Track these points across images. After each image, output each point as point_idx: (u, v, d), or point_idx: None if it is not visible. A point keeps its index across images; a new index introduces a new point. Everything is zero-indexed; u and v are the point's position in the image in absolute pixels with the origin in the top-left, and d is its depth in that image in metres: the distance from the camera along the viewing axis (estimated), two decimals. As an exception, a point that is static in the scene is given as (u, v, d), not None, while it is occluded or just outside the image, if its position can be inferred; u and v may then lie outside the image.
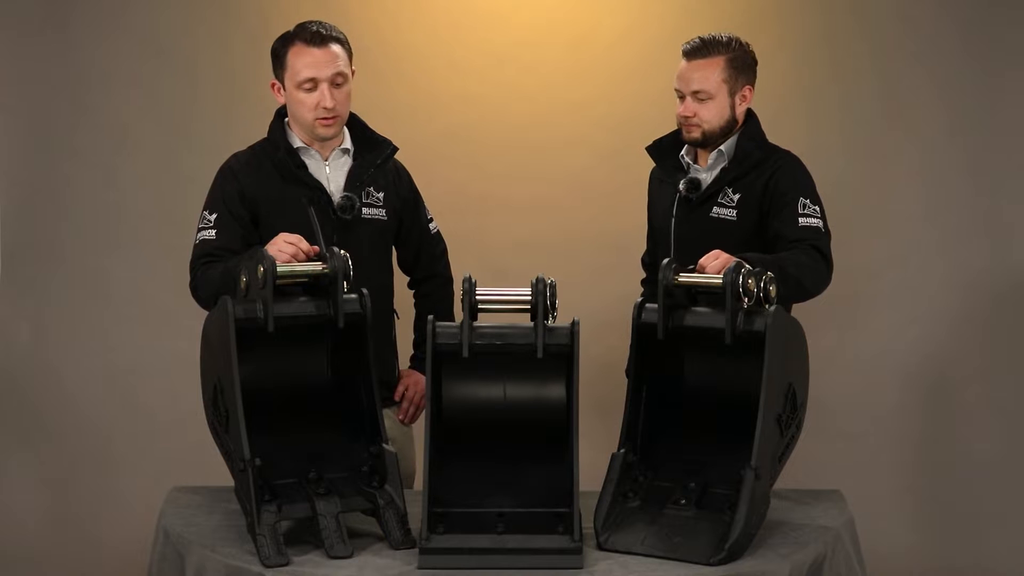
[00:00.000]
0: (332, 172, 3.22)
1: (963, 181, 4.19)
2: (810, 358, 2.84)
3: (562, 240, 4.20)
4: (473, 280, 2.72)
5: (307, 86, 3.13)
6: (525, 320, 2.73)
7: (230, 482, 2.78)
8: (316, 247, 2.87)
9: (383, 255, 3.32)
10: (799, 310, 3.15)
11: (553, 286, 2.71)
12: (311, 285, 2.81)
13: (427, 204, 4.30)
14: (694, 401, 2.83)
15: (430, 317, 2.72)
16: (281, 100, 3.21)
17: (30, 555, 4.19)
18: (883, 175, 4.20)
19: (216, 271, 3.06)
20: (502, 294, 2.76)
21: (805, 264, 3.06)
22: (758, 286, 2.70)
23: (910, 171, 4.19)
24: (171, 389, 4.08)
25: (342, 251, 2.79)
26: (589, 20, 4.21)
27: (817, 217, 3.17)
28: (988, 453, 4.21)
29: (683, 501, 2.73)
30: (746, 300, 2.68)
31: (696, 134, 3.24)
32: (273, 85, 3.21)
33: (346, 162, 3.25)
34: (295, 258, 2.85)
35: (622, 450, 2.78)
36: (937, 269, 4.20)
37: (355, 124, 3.30)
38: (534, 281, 2.71)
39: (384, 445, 2.78)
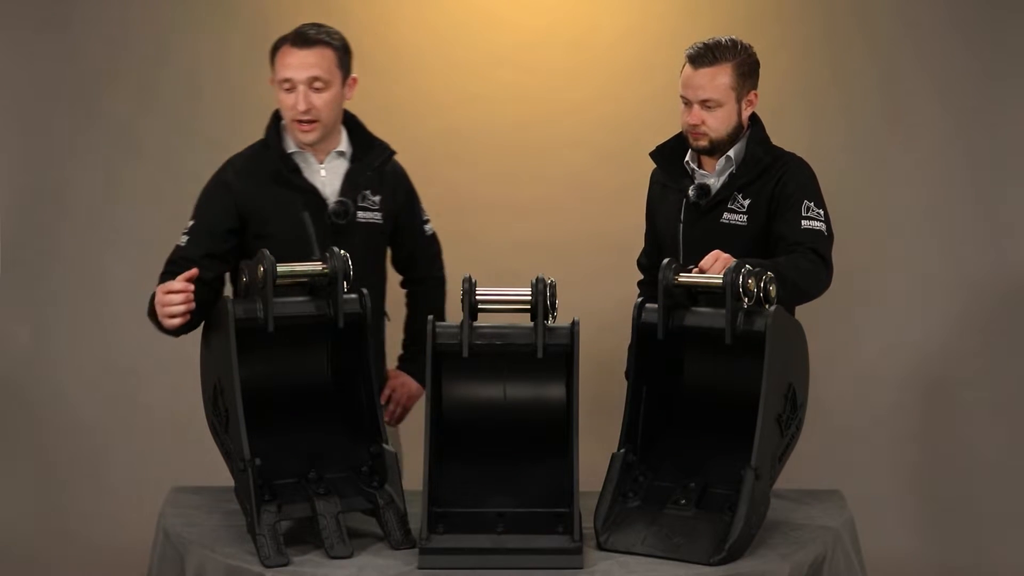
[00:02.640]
0: (328, 176, 3.20)
1: (963, 181, 4.18)
2: (810, 358, 2.84)
3: (562, 240, 4.20)
4: (473, 280, 2.72)
5: (285, 86, 3.11)
6: (525, 320, 2.74)
7: (230, 482, 2.78)
8: (195, 270, 2.87)
9: (377, 257, 3.30)
10: (800, 310, 3.15)
11: (553, 286, 2.71)
12: (312, 285, 2.82)
13: (427, 204, 4.30)
14: (694, 401, 2.83)
15: (430, 317, 2.72)
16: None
17: (30, 555, 4.19)
18: (883, 175, 4.20)
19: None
20: (502, 294, 2.76)
21: (803, 268, 3.05)
22: (758, 286, 2.70)
23: (910, 171, 4.19)
24: (171, 389, 4.09)
25: (342, 251, 2.80)
26: (589, 20, 4.20)
27: (820, 220, 3.16)
28: (988, 453, 4.21)
29: (683, 501, 2.73)
30: (746, 300, 2.68)
31: (704, 142, 3.22)
32: (272, 81, 3.19)
33: (342, 165, 3.22)
34: (185, 301, 2.83)
35: (622, 450, 2.78)
36: (937, 269, 4.20)
37: (353, 126, 3.28)
38: (534, 281, 2.71)
39: (384, 445, 2.78)
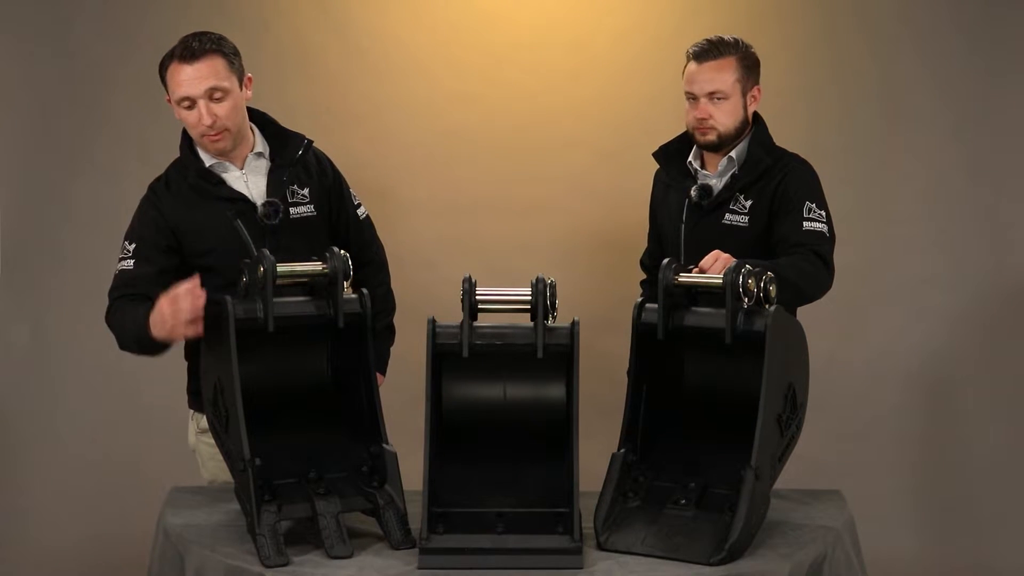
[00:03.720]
0: (251, 179, 3.16)
1: (963, 181, 4.19)
2: (810, 358, 2.84)
3: (562, 240, 4.20)
4: (473, 280, 2.72)
5: (185, 104, 3.07)
6: (525, 320, 2.74)
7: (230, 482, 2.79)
8: (196, 276, 2.82)
9: (320, 250, 3.26)
10: (800, 310, 3.15)
11: (553, 286, 2.71)
12: (312, 285, 2.82)
13: (428, 204, 4.30)
14: (694, 401, 2.83)
15: (431, 317, 2.72)
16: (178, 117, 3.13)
17: (30, 555, 4.19)
18: (883, 175, 4.20)
19: (124, 317, 3.00)
20: (502, 294, 2.76)
21: (804, 270, 3.05)
22: (758, 286, 2.70)
23: (910, 171, 4.20)
24: (171, 389, 4.08)
25: (342, 251, 2.79)
26: (589, 20, 4.21)
27: (822, 222, 3.17)
28: (988, 453, 4.21)
29: (683, 501, 2.73)
30: (746, 300, 2.68)
31: (712, 136, 3.23)
32: (169, 101, 3.12)
33: (263, 165, 3.18)
34: (194, 302, 2.77)
35: (622, 450, 2.78)
36: (937, 269, 4.20)
37: (266, 124, 3.24)
38: (534, 281, 2.72)
39: (384, 445, 2.78)
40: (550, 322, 2.71)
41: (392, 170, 4.16)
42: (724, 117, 3.22)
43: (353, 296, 2.80)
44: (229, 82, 3.08)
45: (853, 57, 4.19)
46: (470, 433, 2.75)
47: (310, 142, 3.25)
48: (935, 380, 4.23)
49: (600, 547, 2.68)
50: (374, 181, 3.94)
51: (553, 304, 2.71)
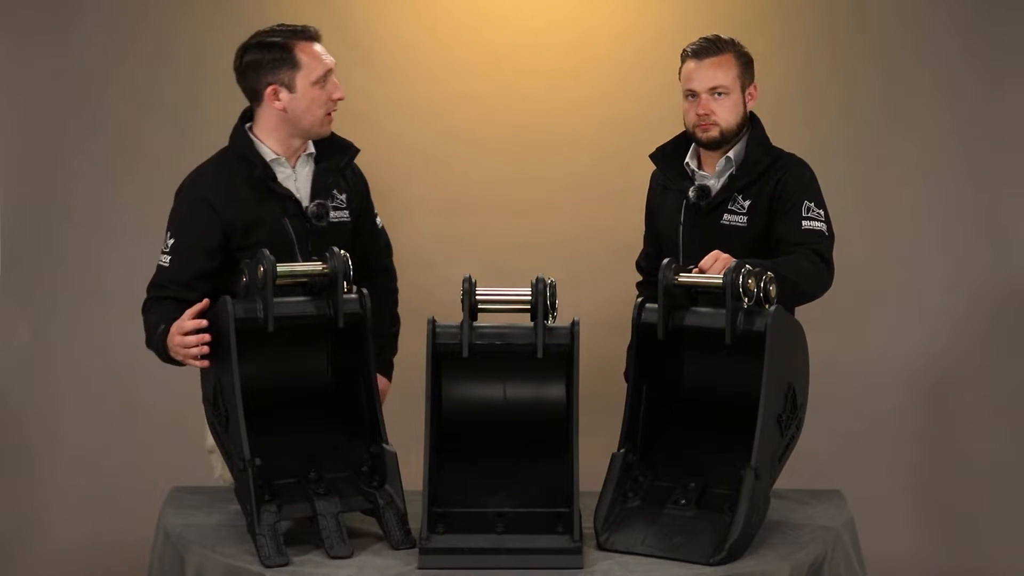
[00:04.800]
0: (299, 180, 3.16)
1: (963, 181, 4.19)
2: (810, 358, 2.84)
3: (562, 240, 4.20)
4: (473, 280, 2.72)
5: (323, 82, 3.10)
6: (525, 320, 2.74)
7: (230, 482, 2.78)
8: (205, 301, 2.81)
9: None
10: (800, 310, 3.15)
11: (553, 286, 2.72)
12: (311, 285, 2.82)
13: (428, 204, 4.31)
14: (694, 401, 2.83)
15: (430, 317, 2.73)
16: (278, 106, 3.09)
17: (30, 555, 4.19)
18: (883, 175, 4.20)
19: (150, 322, 3.00)
20: (502, 294, 2.76)
21: (804, 269, 3.05)
22: (758, 286, 2.70)
23: (910, 171, 4.19)
24: (171, 389, 4.09)
25: (342, 251, 2.80)
26: (589, 21, 4.20)
27: (821, 221, 3.17)
28: (988, 453, 4.21)
29: (683, 501, 2.74)
30: (746, 300, 2.68)
31: (714, 133, 3.23)
32: (273, 91, 3.09)
33: (309, 167, 3.19)
34: (199, 342, 2.77)
35: (622, 450, 2.79)
36: (937, 269, 4.20)
37: None
38: (534, 281, 2.72)
39: (384, 445, 2.78)
40: (550, 322, 2.71)
41: (392, 170, 4.16)
42: (726, 113, 3.22)
43: (353, 296, 2.80)
44: None
45: (853, 57, 4.19)
46: (470, 433, 2.75)
47: (357, 151, 3.25)
48: (935, 380, 4.23)
49: (600, 547, 2.69)
50: (374, 181, 3.92)
51: (553, 304, 2.72)
